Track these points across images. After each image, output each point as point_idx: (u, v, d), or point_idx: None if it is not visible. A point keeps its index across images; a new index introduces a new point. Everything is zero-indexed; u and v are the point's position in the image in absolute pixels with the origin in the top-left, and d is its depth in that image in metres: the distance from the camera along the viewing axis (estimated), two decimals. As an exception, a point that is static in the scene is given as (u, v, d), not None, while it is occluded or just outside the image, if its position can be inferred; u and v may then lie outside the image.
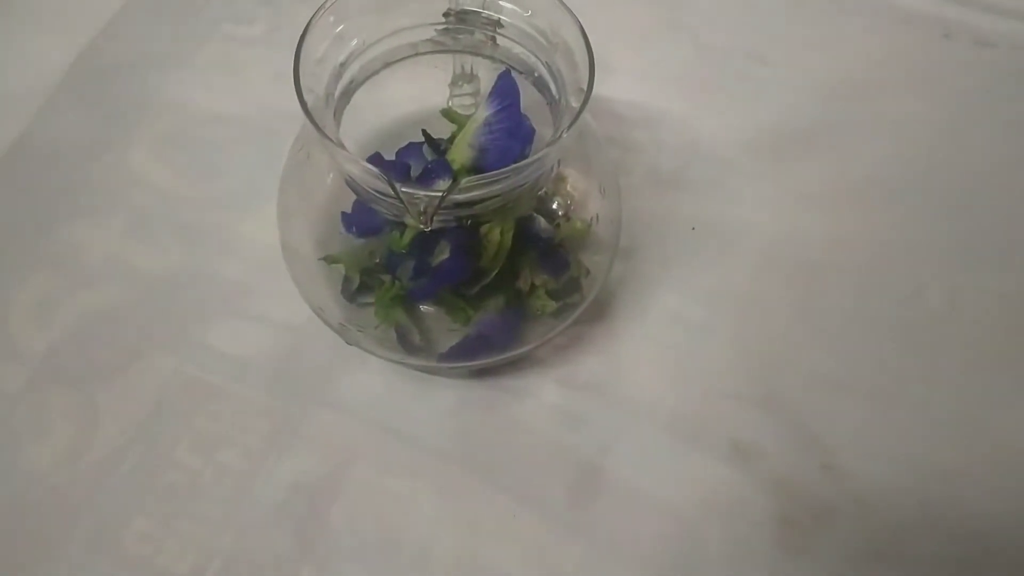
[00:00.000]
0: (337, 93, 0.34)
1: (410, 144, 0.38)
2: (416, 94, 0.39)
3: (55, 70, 0.46)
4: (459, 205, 0.31)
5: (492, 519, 0.36)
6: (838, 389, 0.39)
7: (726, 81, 0.47)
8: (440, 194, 0.29)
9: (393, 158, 0.38)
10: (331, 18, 0.33)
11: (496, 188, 0.30)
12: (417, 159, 0.38)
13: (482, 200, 0.31)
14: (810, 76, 0.47)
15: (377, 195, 0.31)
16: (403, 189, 0.29)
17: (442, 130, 0.38)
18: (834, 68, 0.48)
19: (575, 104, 0.32)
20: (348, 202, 0.36)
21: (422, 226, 0.30)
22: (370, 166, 0.29)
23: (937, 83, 0.47)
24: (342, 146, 0.31)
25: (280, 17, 0.48)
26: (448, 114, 0.39)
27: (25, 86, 0.45)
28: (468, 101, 0.40)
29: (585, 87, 0.31)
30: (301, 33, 0.31)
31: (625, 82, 0.44)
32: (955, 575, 0.36)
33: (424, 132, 0.38)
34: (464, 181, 0.29)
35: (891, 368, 0.39)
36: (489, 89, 0.36)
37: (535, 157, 0.30)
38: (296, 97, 0.30)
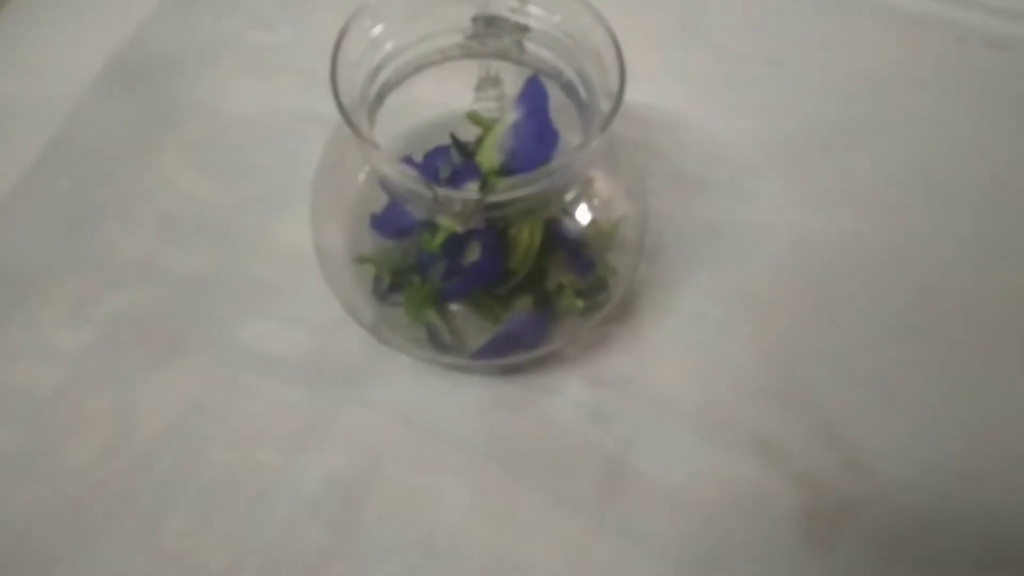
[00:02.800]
0: (371, 96, 0.34)
1: (437, 148, 0.39)
2: (441, 98, 0.40)
3: (86, 74, 0.47)
4: (490, 207, 0.32)
5: (522, 514, 0.36)
6: (859, 386, 0.39)
7: (745, 84, 0.48)
8: (478, 196, 0.29)
9: (420, 161, 0.39)
10: (367, 21, 0.33)
11: (530, 190, 0.31)
12: (445, 162, 0.38)
13: (513, 202, 0.32)
14: (827, 79, 0.48)
15: (413, 196, 0.32)
16: (441, 190, 0.30)
17: (466, 134, 0.39)
18: (851, 71, 0.48)
19: (606, 107, 0.33)
20: (379, 204, 0.37)
21: (459, 228, 0.30)
22: (408, 168, 0.30)
23: (951, 85, 0.48)
24: (379, 147, 0.31)
25: (305, 24, 0.49)
26: (474, 118, 0.39)
27: (57, 90, 0.46)
28: (492, 105, 0.41)
29: (615, 90, 0.32)
30: (338, 35, 0.32)
31: (645, 86, 0.44)
32: (977, 569, 0.36)
33: (452, 136, 0.39)
34: (500, 183, 0.30)
35: (911, 365, 0.40)
36: (513, 93, 0.37)
37: (571, 156, 0.31)
38: (333, 98, 0.31)
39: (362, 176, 0.37)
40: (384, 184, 0.33)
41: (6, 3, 0.49)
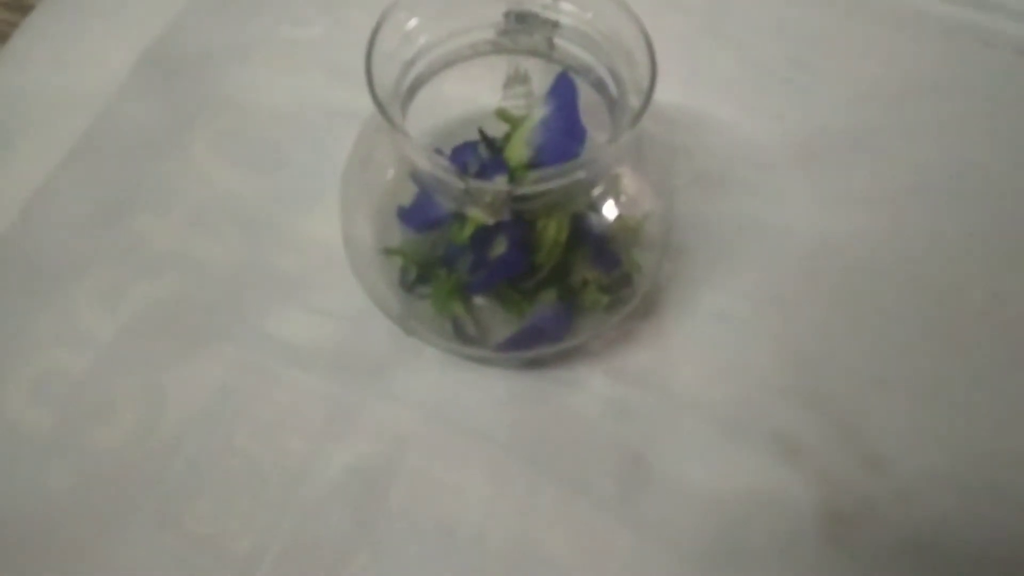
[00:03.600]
0: (404, 89, 0.35)
1: (465, 144, 0.39)
2: (469, 95, 0.40)
3: (121, 68, 0.47)
4: (518, 199, 0.32)
5: (544, 506, 0.37)
6: (881, 386, 0.40)
7: (769, 86, 0.48)
8: (509, 188, 0.30)
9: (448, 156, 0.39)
10: (402, 14, 0.34)
11: (558, 183, 0.31)
12: (473, 157, 0.39)
13: (541, 195, 0.32)
14: (851, 82, 0.48)
15: (446, 186, 0.32)
16: (472, 181, 0.30)
17: (495, 130, 0.39)
18: (875, 74, 0.49)
19: (636, 104, 0.33)
20: (407, 198, 0.37)
21: (489, 219, 0.31)
22: (441, 158, 0.30)
23: (976, 90, 0.48)
24: (411, 137, 0.32)
25: (337, 21, 0.50)
26: (502, 114, 0.40)
27: (93, 83, 0.47)
28: (521, 102, 0.41)
29: (645, 86, 0.32)
30: (374, 26, 0.32)
31: (671, 86, 0.44)
32: (997, 571, 0.36)
33: (480, 131, 0.39)
34: (530, 175, 0.30)
35: (933, 366, 0.40)
36: (542, 91, 0.38)
37: (599, 152, 0.31)
38: (367, 88, 0.31)
39: (391, 171, 0.38)
40: (415, 175, 0.34)
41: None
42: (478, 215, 0.32)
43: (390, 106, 0.33)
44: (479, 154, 0.39)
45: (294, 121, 0.46)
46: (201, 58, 0.48)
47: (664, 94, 0.46)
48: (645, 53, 0.32)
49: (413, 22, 0.34)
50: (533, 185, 0.31)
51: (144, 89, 0.47)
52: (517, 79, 0.41)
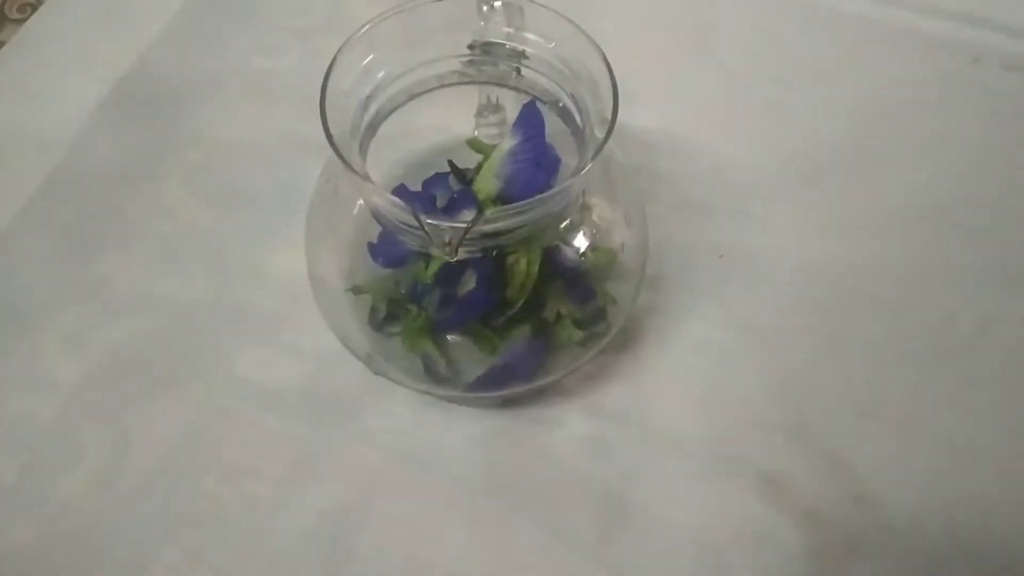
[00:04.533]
0: (363, 125, 0.34)
1: (436, 174, 0.39)
2: (442, 124, 0.40)
3: (89, 102, 0.47)
4: (485, 236, 0.31)
5: (520, 550, 0.36)
6: (868, 418, 0.38)
7: (752, 107, 0.47)
8: (465, 225, 0.29)
9: (419, 188, 0.38)
10: (357, 51, 0.33)
11: (521, 219, 0.30)
12: (443, 189, 0.38)
13: (508, 231, 0.31)
14: (837, 101, 0.47)
15: (403, 226, 0.31)
16: (428, 221, 0.29)
17: (468, 160, 0.39)
18: (862, 93, 0.47)
19: (600, 134, 0.32)
20: (374, 233, 0.36)
21: (448, 257, 0.30)
22: (395, 198, 0.29)
23: (966, 107, 0.47)
24: (368, 178, 0.31)
25: (309, 49, 0.49)
26: (474, 144, 0.39)
27: (60, 119, 0.46)
28: (494, 131, 0.40)
29: (608, 116, 0.31)
30: (328, 66, 0.31)
31: (650, 109, 0.44)
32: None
33: (450, 162, 0.38)
34: (489, 213, 0.29)
35: (921, 396, 0.39)
36: (514, 119, 0.37)
37: (559, 188, 0.30)
38: (322, 129, 0.30)
39: (358, 203, 0.37)
40: (375, 214, 0.33)
41: (10, 34, 0.49)
42: (440, 254, 0.31)
43: (348, 145, 0.32)
44: (450, 186, 0.38)
45: (265, 154, 0.45)
46: (171, 91, 0.47)
47: (643, 117, 0.45)
48: (608, 83, 0.31)
49: (370, 57, 0.33)
50: (492, 222, 0.30)
51: (113, 124, 0.46)
52: (490, 107, 0.40)
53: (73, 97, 0.47)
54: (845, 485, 0.37)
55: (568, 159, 0.36)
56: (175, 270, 0.42)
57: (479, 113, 0.40)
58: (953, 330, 0.40)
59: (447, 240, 0.30)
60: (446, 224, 0.29)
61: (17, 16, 0.51)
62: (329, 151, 0.33)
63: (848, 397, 0.39)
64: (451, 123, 0.40)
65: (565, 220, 0.35)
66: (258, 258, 0.42)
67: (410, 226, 0.30)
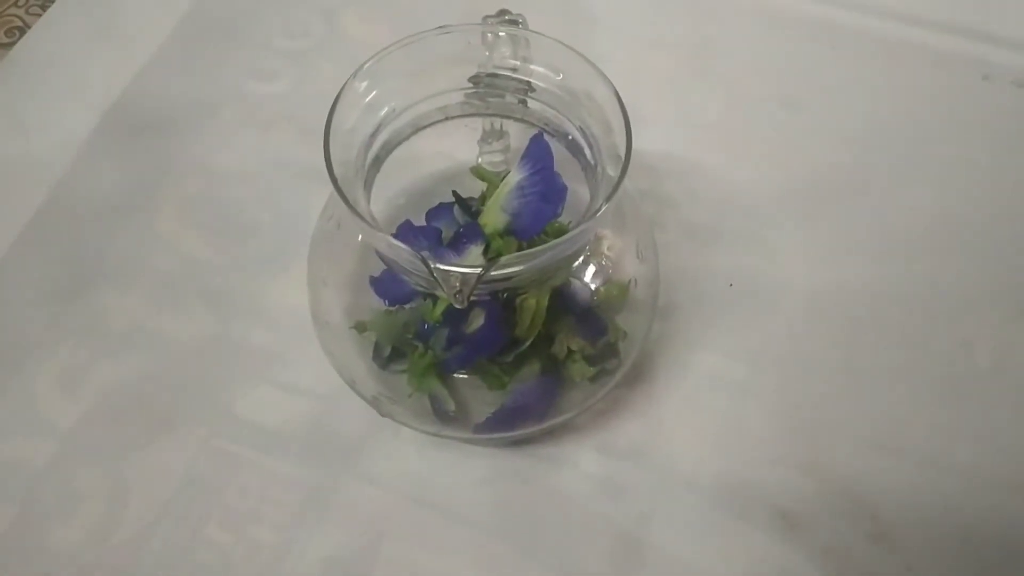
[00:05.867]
0: (367, 163, 0.33)
1: (440, 205, 0.38)
2: (445, 151, 0.39)
3: (81, 131, 0.45)
4: (495, 280, 0.30)
5: (532, 595, 0.35)
6: (885, 452, 0.37)
7: (760, 130, 0.46)
8: (477, 272, 0.28)
9: (422, 218, 0.37)
10: (362, 85, 0.32)
11: (533, 263, 0.29)
12: (448, 221, 0.37)
13: (516, 274, 0.30)
14: (846, 122, 0.46)
15: (409, 270, 0.30)
16: (437, 267, 0.28)
17: (471, 187, 0.38)
18: (871, 113, 0.46)
19: (611, 171, 0.31)
20: (379, 265, 0.35)
21: (458, 305, 0.29)
22: (403, 245, 0.28)
23: (977, 126, 0.46)
24: (374, 222, 0.30)
25: (304, 73, 0.48)
26: (478, 172, 0.38)
27: (50, 150, 0.45)
28: (498, 158, 0.39)
29: (622, 153, 0.30)
30: (332, 104, 0.30)
31: (656, 133, 0.43)
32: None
33: (455, 193, 0.37)
34: (500, 260, 0.28)
35: (939, 428, 0.38)
36: (519, 146, 0.36)
37: (573, 232, 0.29)
38: (327, 170, 0.29)
39: (361, 239, 0.36)
40: (381, 256, 0.32)
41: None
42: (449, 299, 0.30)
43: (352, 181, 0.31)
44: (455, 217, 0.37)
45: (262, 182, 0.44)
46: (164, 118, 0.46)
47: (648, 141, 0.44)
48: (620, 118, 0.30)
49: (375, 92, 0.32)
50: (504, 268, 0.29)
51: (105, 153, 0.45)
52: (493, 134, 0.39)
53: (63, 124, 0.46)
54: (862, 522, 0.36)
55: (573, 185, 0.35)
56: (172, 306, 0.41)
57: (483, 140, 0.39)
58: (970, 359, 0.39)
59: (457, 287, 0.28)
60: (457, 270, 0.28)
61: (5, 40, 0.50)
62: (331, 184, 0.32)
63: (865, 431, 0.38)
64: (454, 150, 0.39)
65: (578, 259, 0.34)
66: (258, 293, 0.41)
67: (418, 272, 0.29)
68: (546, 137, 0.35)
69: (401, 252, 0.29)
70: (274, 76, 0.48)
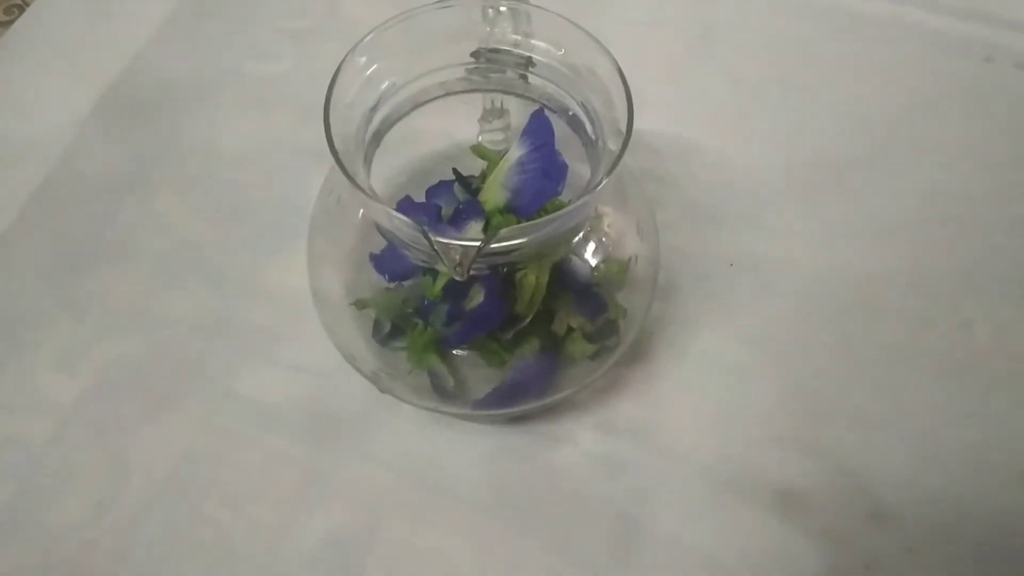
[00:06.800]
0: (367, 137, 0.33)
1: (440, 183, 0.37)
2: (446, 129, 0.39)
3: (80, 111, 0.45)
4: (495, 254, 0.30)
5: (530, 572, 0.35)
6: (885, 431, 0.37)
7: (761, 111, 0.46)
8: (477, 244, 0.28)
9: (422, 197, 0.37)
10: (361, 60, 0.32)
11: (533, 236, 0.29)
12: (448, 199, 0.37)
13: (516, 248, 0.30)
14: (848, 104, 0.46)
15: (410, 244, 0.30)
16: (437, 239, 0.28)
17: (472, 167, 0.37)
18: (872, 95, 0.46)
19: (613, 146, 0.31)
20: (378, 243, 0.35)
21: (458, 277, 0.29)
22: (403, 217, 0.28)
23: (979, 108, 0.46)
24: (374, 195, 0.30)
25: (305, 53, 0.48)
26: (478, 150, 0.38)
27: (49, 129, 0.45)
28: (499, 136, 0.39)
29: (623, 128, 0.30)
30: (331, 78, 0.30)
31: (658, 114, 0.43)
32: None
33: (455, 171, 0.37)
34: (500, 232, 0.28)
35: (940, 408, 0.38)
36: (519, 125, 0.36)
37: (574, 206, 0.29)
38: (326, 142, 0.29)
39: (361, 213, 0.35)
40: (381, 230, 0.32)
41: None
42: (447, 271, 0.30)
43: (353, 157, 0.31)
44: (455, 194, 0.37)
45: (262, 162, 0.44)
46: (164, 98, 0.46)
47: (649, 122, 0.44)
48: (622, 93, 0.30)
49: (374, 66, 0.32)
50: (504, 240, 0.29)
51: (104, 133, 0.45)
52: (494, 112, 0.39)
53: (63, 103, 0.46)
54: (862, 502, 0.36)
55: (574, 163, 0.35)
56: (171, 285, 0.41)
57: (483, 118, 0.39)
58: (971, 339, 0.39)
59: (457, 259, 0.28)
60: (457, 243, 0.28)
61: (4, 18, 0.50)
62: (330, 160, 0.32)
63: (865, 410, 0.38)
64: (454, 128, 0.39)
65: (578, 235, 0.34)
66: (257, 271, 0.41)
67: (418, 245, 0.29)
68: (547, 113, 0.34)
69: (401, 224, 0.28)
70: (275, 56, 0.48)
